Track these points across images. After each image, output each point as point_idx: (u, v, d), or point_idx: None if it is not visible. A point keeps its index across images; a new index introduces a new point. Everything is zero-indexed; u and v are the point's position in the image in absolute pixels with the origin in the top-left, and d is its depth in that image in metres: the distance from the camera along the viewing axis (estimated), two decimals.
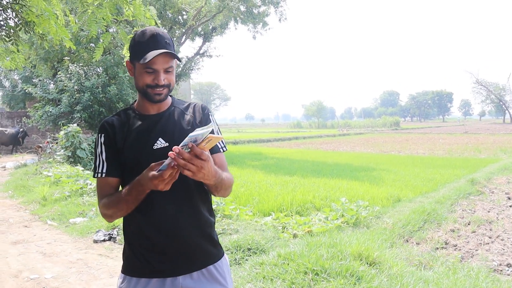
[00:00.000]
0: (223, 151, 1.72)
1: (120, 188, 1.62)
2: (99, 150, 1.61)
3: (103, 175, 1.60)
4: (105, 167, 1.59)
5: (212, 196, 1.71)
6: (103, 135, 1.62)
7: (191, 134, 1.25)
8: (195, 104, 1.75)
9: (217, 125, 1.71)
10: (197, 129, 1.29)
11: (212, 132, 1.28)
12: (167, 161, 1.30)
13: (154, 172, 1.33)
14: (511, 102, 67.71)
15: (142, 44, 1.55)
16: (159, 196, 1.50)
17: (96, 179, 1.62)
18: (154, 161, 1.45)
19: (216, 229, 1.82)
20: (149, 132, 1.60)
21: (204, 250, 1.63)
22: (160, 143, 1.58)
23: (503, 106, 72.83)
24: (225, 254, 1.75)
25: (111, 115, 1.70)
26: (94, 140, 1.64)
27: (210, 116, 1.72)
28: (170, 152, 1.26)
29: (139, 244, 1.60)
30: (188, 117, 1.68)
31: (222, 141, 1.69)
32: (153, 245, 1.57)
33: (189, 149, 1.27)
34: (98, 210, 6.04)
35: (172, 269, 1.57)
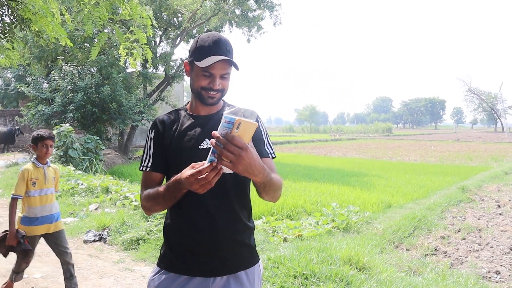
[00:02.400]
0: (272, 157, 1.72)
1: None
2: (148, 145, 1.68)
3: (148, 169, 1.66)
4: (151, 161, 1.65)
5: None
6: (153, 131, 1.68)
7: (224, 117, 1.26)
8: (244, 109, 1.73)
9: (266, 131, 1.75)
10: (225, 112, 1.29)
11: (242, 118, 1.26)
12: (207, 161, 1.30)
13: (192, 170, 1.32)
14: (503, 111, 68.29)
15: (204, 48, 1.57)
16: (200, 197, 1.53)
17: (142, 172, 1.68)
18: (198, 161, 1.46)
19: None
20: (196, 132, 1.63)
21: (238, 255, 1.64)
22: (206, 143, 1.60)
23: (495, 114, 73.52)
24: (260, 262, 1.77)
25: (165, 113, 1.76)
26: (147, 135, 1.72)
27: (259, 122, 1.69)
28: (211, 139, 1.26)
29: (175, 240, 1.63)
30: None
31: (270, 147, 1.73)
32: (189, 243, 1.59)
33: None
34: (88, 211, 5.93)
35: (203, 269, 1.58)
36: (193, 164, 1.37)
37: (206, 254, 1.58)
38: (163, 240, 1.71)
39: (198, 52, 1.58)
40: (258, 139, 1.68)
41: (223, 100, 1.75)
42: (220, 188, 1.51)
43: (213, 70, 1.56)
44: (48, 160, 3.48)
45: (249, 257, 1.69)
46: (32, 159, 3.43)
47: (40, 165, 3.40)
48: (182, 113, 1.71)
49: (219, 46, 1.57)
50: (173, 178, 1.46)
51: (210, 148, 1.51)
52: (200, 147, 1.60)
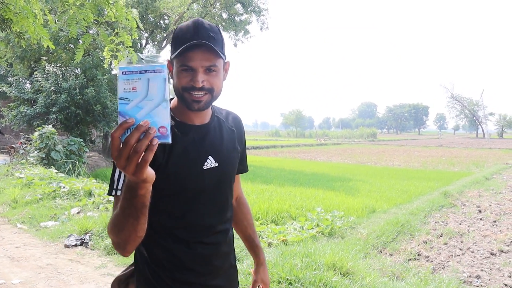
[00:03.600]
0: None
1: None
2: None
3: None
4: None
5: None
6: None
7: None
8: (233, 114, 1.54)
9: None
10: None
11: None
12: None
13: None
14: (484, 118, 69.64)
15: (182, 36, 1.26)
16: (195, 219, 1.33)
17: (113, 197, 1.24)
18: (203, 185, 1.30)
19: None
20: (197, 147, 1.33)
21: (230, 279, 1.50)
22: (211, 162, 1.34)
23: (476, 121, 74.99)
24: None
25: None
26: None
27: (244, 131, 1.56)
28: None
29: (165, 276, 1.34)
30: (231, 130, 1.47)
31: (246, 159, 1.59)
32: (185, 277, 1.35)
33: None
34: (70, 214, 5.83)
35: None
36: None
37: (202, 285, 1.38)
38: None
39: (175, 43, 1.26)
40: (243, 149, 1.54)
41: (212, 105, 1.44)
42: (217, 205, 1.38)
43: (192, 62, 1.21)
44: None
45: (236, 279, 1.55)
46: None
47: None
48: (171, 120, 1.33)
49: (199, 32, 1.24)
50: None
51: (214, 167, 1.35)
52: (205, 167, 1.33)
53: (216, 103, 1.43)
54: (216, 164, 1.35)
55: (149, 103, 0.88)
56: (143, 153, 0.86)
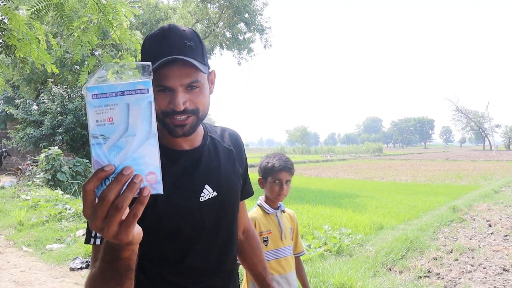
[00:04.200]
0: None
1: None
2: None
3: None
4: None
5: None
6: None
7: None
8: (229, 131, 1.36)
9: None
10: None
11: None
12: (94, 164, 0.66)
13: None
14: (490, 130, 69.33)
15: (150, 49, 1.06)
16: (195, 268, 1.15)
17: (91, 246, 1.01)
18: (202, 221, 1.13)
19: None
20: (190, 177, 1.14)
21: None
22: (208, 192, 1.16)
23: (483, 133, 74.61)
24: None
25: None
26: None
27: (243, 148, 1.38)
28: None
29: None
30: (229, 150, 1.29)
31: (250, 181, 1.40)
32: None
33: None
34: (76, 237, 5.80)
35: None
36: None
37: None
38: None
39: (145, 59, 1.05)
40: (245, 170, 1.38)
41: (203, 124, 1.27)
42: (220, 243, 1.20)
43: (169, 81, 1.01)
44: (280, 202, 2.30)
45: None
46: (259, 201, 2.30)
47: (271, 210, 2.24)
48: None
49: (172, 42, 1.02)
50: None
51: (213, 197, 1.16)
52: (201, 199, 1.14)
53: (209, 120, 1.24)
54: (215, 193, 1.17)
55: (131, 140, 0.65)
56: (127, 209, 0.65)
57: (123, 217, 0.65)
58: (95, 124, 0.64)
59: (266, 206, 2.21)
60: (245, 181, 1.37)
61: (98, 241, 1.00)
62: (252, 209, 2.24)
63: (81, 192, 0.65)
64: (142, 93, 0.65)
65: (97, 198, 0.64)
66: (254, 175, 1.53)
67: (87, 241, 1.02)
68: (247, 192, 1.41)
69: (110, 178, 0.64)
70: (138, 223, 0.71)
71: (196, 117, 1.07)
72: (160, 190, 0.67)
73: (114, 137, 0.64)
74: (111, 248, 0.74)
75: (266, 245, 2.12)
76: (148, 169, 0.66)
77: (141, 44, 4.28)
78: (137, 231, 0.71)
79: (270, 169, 2.16)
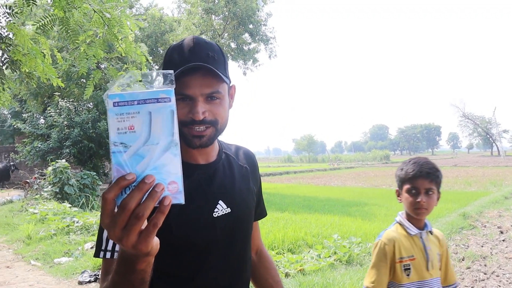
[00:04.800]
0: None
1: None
2: None
3: (115, 254, 1.00)
4: None
5: None
6: None
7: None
8: (244, 150, 1.34)
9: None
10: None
11: None
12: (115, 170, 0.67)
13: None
14: (498, 135, 68.83)
15: (173, 57, 1.06)
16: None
17: (100, 259, 1.01)
18: (215, 237, 1.10)
19: None
20: (204, 192, 1.12)
21: None
22: (222, 208, 1.13)
23: (490, 139, 74.01)
24: None
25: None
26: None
27: (258, 167, 1.36)
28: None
29: None
30: (244, 169, 1.27)
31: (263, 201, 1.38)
32: None
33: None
34: (84, 250, 5.79)
35: None
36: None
37: None
38: None
39: (167, 67, 1.06)
40: (259, 189, 1.35)
41: (218, 140, 1.25)
42: (232, 261, 1.16)
43: (190, 90, 1.01)
44: (426, 221, 1.83)
45: None
46: (398, 218, 1.86)
47: (415, 230, 1.77)
48: None
49: (196, 52, 1.03)
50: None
51: (226, 214, 1.13)
52: (215, 214, 1.12)
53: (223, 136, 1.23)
54: (229, 210, 1.14)
55: (153, 149, 0.64)
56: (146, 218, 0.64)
57: (143, 227, 0.64)
58: (116, 132, 0.64)
59: (407, 224, 1.77)
60: (259, 201, 1.35)
61: (108, 255, 0.99)
62: (389, 227, 1.85)
63: (100, 201, 0.65)
64: (165, 101, 0.65)
65: (116, 207, 0.63)
66: (263, 184, 1.47)
67: (96, 255, 1.00)
68: (261, 212, 1.39)
69: (130, 187, 0.63)
70: None
71: (214, 129, 1.06)
72: (181, 200, 0.66)
73: (135, 146, 0.64)
74: (126, 260, 0.72)
75: (408, 275, 1.70)
76: (169, 179, 0.65)
77: (146, 56, 4.30)
78: (155, 242, 0.69)
79: (403, 177, 1.81)
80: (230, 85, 1.14)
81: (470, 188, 16.35)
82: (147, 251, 0.66)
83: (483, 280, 4.90)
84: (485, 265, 5.44)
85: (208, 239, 1.10)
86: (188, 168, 1.08)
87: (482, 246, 6.40)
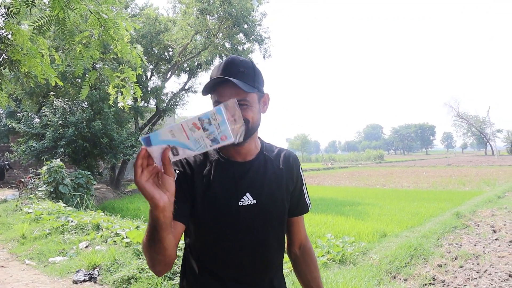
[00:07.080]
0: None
1: (183, 239, 1.43)
2: None
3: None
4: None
5: None
6: (177, 171, 1.31)
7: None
8: (285, 152, 1.50)
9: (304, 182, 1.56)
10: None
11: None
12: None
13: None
14: (492, 135, 69.25)
15: (213, 72, 1.32)
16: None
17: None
18: (237, 221, 1.31)
19: None
20: (235, 184, 1.34)
21: None
22: (247, 199, 1.34)
23: (484, 138, 74.41)
24: None
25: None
26: None
27: (301, 171, 1.52)
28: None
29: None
30: (279, 169, 1.44)
31: (308, 196, 1.54)
32: None
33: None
34: (78, 249, 5.76)
35: None
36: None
37: None
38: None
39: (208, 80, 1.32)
40: (298, 188, 1.51)
41: (263, 142, 1.48)
42: (253, 245, 1.36)
43: (222, 98, 1.24)
44: None
45: None
46: None
47: None
48: (213, 154, 1.38)
49: (228, 67, 1.27)
50: None
51: (251, 205, 1.34)
52: (241, 203, 1.32)
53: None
54: (254, 201, 1.34)
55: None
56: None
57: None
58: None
59: None
60: (298, 198, 1.50)
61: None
62: None
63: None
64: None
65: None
66: None
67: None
68: (302, 209, 1.53)
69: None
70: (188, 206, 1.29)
71: (246, 126, 1.25)
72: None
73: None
74: (150, 210, 1.03)
75: None
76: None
77: (141, 58, 4.32)
78: (165, 198, 1.01)
79: None
80: (263, 94, 1.37)
81: (464, 187, 16.47)
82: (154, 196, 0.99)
83: (476, 278, 4.96)
84: (477, 264, 5.50)
85: (231, 221, 1.31)
86: (227, 164, 1.36)
87: (475, 245, 6.46)
